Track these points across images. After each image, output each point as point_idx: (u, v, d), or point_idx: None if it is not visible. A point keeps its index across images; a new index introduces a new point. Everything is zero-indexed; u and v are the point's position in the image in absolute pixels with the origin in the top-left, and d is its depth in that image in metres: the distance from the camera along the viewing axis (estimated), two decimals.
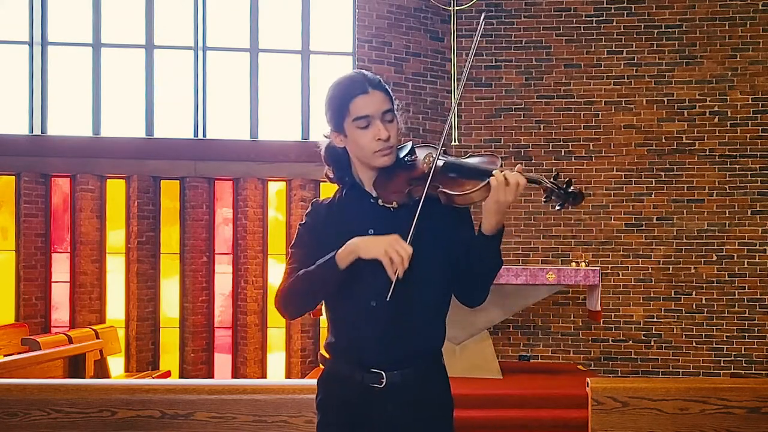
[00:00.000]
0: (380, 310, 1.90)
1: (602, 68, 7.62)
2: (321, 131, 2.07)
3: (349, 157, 2.02)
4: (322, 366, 2.08)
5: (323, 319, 7.33)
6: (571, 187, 1.79)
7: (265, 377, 7.57)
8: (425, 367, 1.96)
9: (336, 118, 1.98)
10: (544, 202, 1.84)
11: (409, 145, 2.00)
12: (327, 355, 2.03)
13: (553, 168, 7.60)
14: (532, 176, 1.81)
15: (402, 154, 1.97)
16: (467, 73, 1.88)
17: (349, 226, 1.93)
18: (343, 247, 1.84)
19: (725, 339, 7.38)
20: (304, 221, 2.06)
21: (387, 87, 1.98)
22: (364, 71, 2.01)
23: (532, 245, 7.57)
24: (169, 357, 7.58)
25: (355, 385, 1.93)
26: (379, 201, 1.94)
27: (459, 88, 1.97)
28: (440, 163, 1.90)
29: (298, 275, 1.92)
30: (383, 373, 1.91)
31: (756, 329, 7.36)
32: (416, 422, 1.93)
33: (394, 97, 1.99)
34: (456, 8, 7.19)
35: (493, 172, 1.78)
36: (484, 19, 1.93)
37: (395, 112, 1.97)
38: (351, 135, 1.95)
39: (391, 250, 1.76)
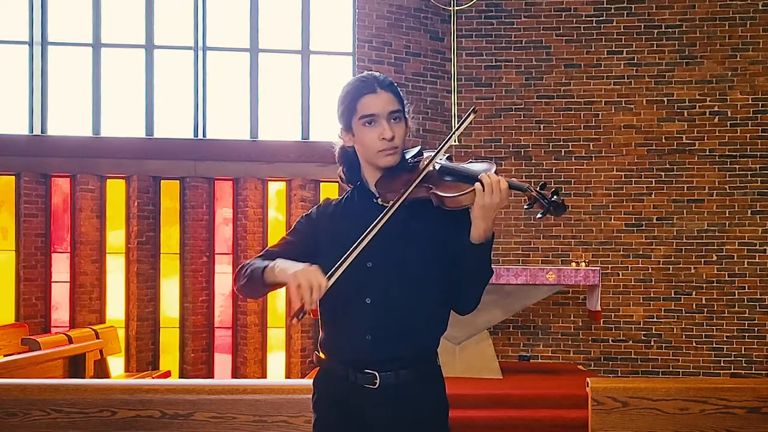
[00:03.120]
0: (374, 310, 1.92)
1: (602, 68, 7.62)
2: (335, 132, 2.09)
3: (359, 157, 2.05)
4: (318, 366, 2.09)
5: None
6: (555, 197, 1.82)
7: (265, 377, 7.57)
8: (420, 369, 1.96)
9: (345, 117, 2.00)
10: (526, 208, 1.88)
11: (418, 147, 2.04)
12: (322, 355, 2.04)
13: (553, 168, 7.61)
14: (515, 183, 1.85)
15: (408, 156, 2.01)
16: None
17: (347, 225, 1.97)
18: (277, 265, 1.86)
19: (725, 339, 7.39)
20: (308, 213, 2.12)
21: (398, 89, 2.01)
22: (376, 73, 2.04)
23: (532, 245, 7.57)
24: (169, 357, 7.58)
25: (350, 385, 1.94)
26: (379, 200, 1.96)
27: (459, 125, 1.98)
28: (437, 166, 1.93)
29: (253, 265, 1.95)
30: (377, 373, 1.92)
31: (756, 329, 7.36)
32: (410, 424, 1.94)
33: (405, 101, 2.02)
34: (456, 8, 7.19)
35: (485, 174, 1.81)
36: (472, 112, 1.95)
37: (404, 114, 2.00)
38: (357, 133, 1.98)
39: (302, 279, 1.75)
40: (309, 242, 2.04)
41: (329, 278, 1.80)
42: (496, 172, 1.85)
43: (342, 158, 2.09)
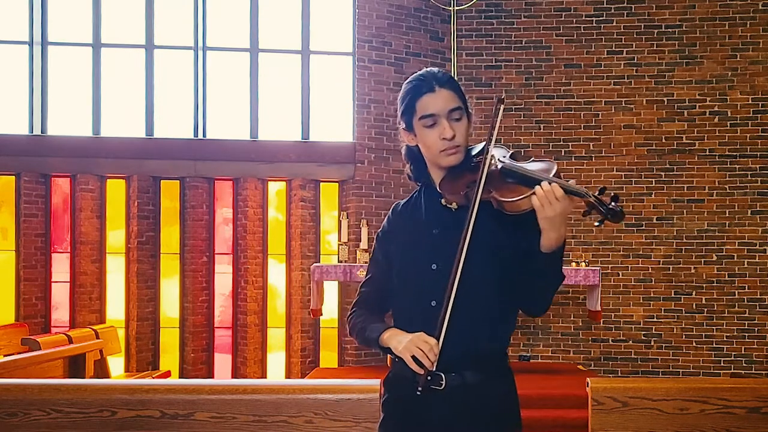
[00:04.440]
0: (439, 311, 1.89)
1: (602, 68, 7.62)
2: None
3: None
4: (390, 367, 2.11)
5: (323, 319, 7.36)
6: (613, 203, 1.72)
7: (265, 377, 7.57)
8: (487, 370, 1.94)
9: (406, 117, 1.98)
10: (583, 215, 1.79)
11: (482, 144, 1.99)
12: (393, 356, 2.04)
13: None
14: (571, 187, 1.75)
15: (473, 153, 1.97)
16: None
17: (417, 225, 1.98)
18: (387, 335, 1.95)
19: (725, 339, 7.39)
20: (381, 230, 2.12)
21: (458, 85, 1.97)
22: (435, 70, 2.00)
23: None
24: (169, 357, 7.58)
25: (416, 386, 1.93)
26: (443, 201, 1.95)
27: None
28: (499, 165, 1.87)
29: (357, 325, 2.07)
30: (443, 375, 1.90)
31: (756, 329, 7.36)
32: (477, 425, 1.92)
33: (467, 97, 2.00)
34: (456, 8, 7.19)
35: (538, 186, 1.75)
36: (498, 103, 1.93)
37: (466, 110, 1.97)
38: (419, 134, 1.97)
39: (413, 348, 1.83)
40: (387, 267, 2.05)
41: (438, 336, 1.84)
42: (557, 172, 1.79)
43: (408, 156, 2.07)
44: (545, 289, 1.92)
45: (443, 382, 1.90)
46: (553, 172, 1.79)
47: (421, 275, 1.90)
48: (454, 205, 1.91)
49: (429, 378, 1.83)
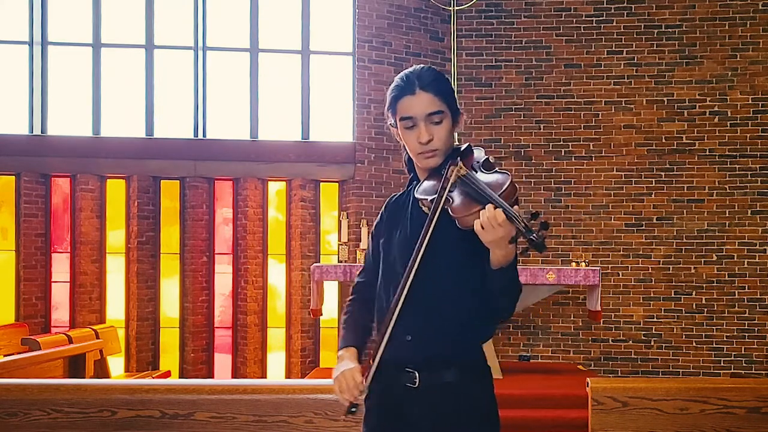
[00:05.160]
0: (412, 311, 1.91)
1: (602, 68, 7.62)
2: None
3: None
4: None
5: (323, 319, 7.36)
6: (535, 235, 1.67)
7: (265, 377, 7.57)
8: (461, 368, 1.95)
9: (392, 116, 2.01)
10: (510, 242, 1.75)
11: (466, 145, 1.98)
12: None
13: (553, 168, 7.61)
14: (509, 213, 1.70)
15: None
16: None
17: (393, 223, 2.04)
18: (338, 355, 2.03)
19: (725, 339, 7.39)
20: (376, 222, 2.16)
21: (443, 86, 1.95)
22: (421, 69, 1.99)
23: None
24: (169, 357, 7.58)
25: (394, 383, 1.95)
26: (420, 202, 1.96)
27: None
28: (462, 174, 1.86)
29: (345, 321, 2.13)
30: (416, 373, 1.92)
31: (756, 329, 7.36)
32: (451, 423, 1.92)
33: (455, 98, 1.99)
34: (456, 8, 7.19)
35: (483, 209, 1.72)
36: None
37: (451, 112, 1.96)
38: (401, 134, 1.99)
39: (339, 382, 1.92)
40: (377, 249, 2.10)
41: (366, 377, 1.91)
42: (511, 182, 1.78)
43: (404, 150, 2.09)
44: (506, 299, 1.93)
45: (417, 380, 1.92)
46: (504, 186, 1.77)
47: (395, 275, 1.91)
48: (425, 208, 1.92)
49: (352, 408, 1.92)
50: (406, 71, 2.00)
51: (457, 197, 1.85)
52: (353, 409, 1.91)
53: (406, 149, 2.05)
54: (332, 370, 1.99)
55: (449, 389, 1.93)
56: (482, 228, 1.71)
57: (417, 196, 1.96)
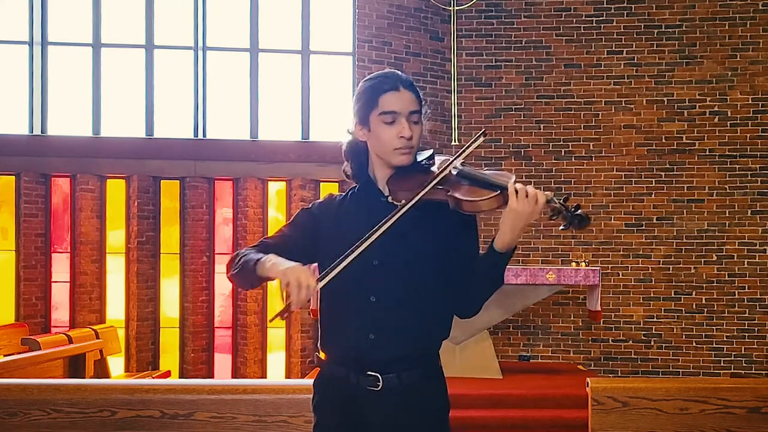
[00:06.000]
0: (379, 308, 1.91)
1: (602, 68, 7.62)
2: (345, 127, 2.10)
3: (368, 154, 2.04)
4: (318, 367, 2.08)
5: None
6: (579, 210, 1.80)
7: (265, 377, 7.57)
8: (423, 370, 1.95)
9: (363, 110, 1.98)
10: (550, 218, 1.85)
11: (431, 151, 2.05)
12: (322, 356, 2.03)
13: (553, 168, 7.61)
14: (550, 195, 1.81)
15: (420, 158, 2.01)
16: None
17: (352, 222, 1.96)
18: (269, 263, 1.85)
19: (725, 339, 7.38)
20: (309, 207, 2.10)
21: (418, 91, 2.01)
22: (398, 72, 2.04)
23: (532, 245, 7.57)
24: (169, 357, 7.58)
25: (352, 387, 1.93)
26: (389, 198, 1.96)
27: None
28: (454, 171, 1.93)
29: (246, 255, 1.94)
30: (379, 376, 1.90)
31: (756, 329, 7.36)
32: (413, 426, 1.93)
33: (424, 103, 2.02)
34: (456, 8, 7.19)
35: (509, 183, 1.81)
36: None
37: (422, 115, 2.00)
38: (375, 129, 1.97)
39: (291, 277, 1.75)
40: (307, 238, 2.03)
41: (320, 281, 1.81)
42: (515, 182, 1.84)
43: (350, 153, 2.07)
44: (485, 291, 1.95)
45: (380, 384, 1.90)
46: (513, 179, 1.86)
47: (361, 270, 1.87)
48: (402, 203, 1.92)
49: (287, 314, 1.79)
50: (380, 72, 2.03)
51: (458, 187, 1.89)
52: (287, 313, 1.78)
53: (352, 152, 2.04)
54: (270, 269, 1.84)
55: (413, 392, 1.92)
56: (517, 196, 1.77)
57: (397, 192, 1.94)
